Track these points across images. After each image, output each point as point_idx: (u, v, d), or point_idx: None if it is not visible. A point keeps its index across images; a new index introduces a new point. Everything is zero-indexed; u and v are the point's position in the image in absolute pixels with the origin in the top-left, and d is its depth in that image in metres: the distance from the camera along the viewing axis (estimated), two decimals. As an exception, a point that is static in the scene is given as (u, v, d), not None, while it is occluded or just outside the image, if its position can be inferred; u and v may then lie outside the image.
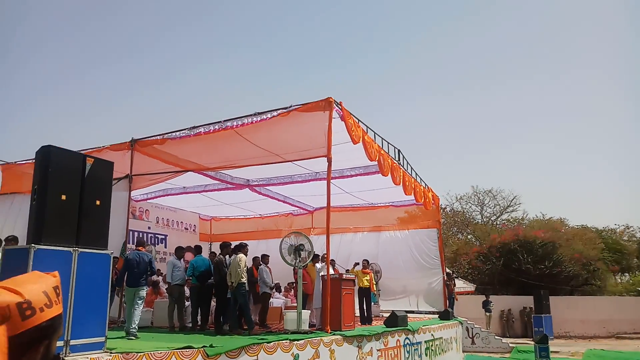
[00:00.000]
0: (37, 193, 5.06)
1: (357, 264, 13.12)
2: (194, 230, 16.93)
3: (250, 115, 8.99)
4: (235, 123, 9.15)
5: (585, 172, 63.06)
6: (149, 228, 14.69)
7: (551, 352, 15.32)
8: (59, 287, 1.18)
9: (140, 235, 14.19)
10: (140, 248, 8.65)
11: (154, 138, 10.00)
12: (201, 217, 17.36)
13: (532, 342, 16.35)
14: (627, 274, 39.31)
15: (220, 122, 9.18)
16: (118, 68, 68.93)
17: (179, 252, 10.14)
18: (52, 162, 4.99)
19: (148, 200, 14.31)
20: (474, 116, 69.01)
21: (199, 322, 9.61)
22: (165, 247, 15.22)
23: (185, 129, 9.53)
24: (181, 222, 16.32)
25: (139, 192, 12.35)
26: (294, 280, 12.76)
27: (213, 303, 10.20)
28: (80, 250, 5.21)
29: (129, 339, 7.55)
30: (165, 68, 73.66)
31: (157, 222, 15.12)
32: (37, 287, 1.12)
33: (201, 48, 75.71)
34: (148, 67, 72.80)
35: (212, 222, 18.06)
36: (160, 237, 15.12)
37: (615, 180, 62.51)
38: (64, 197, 4.99)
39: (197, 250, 10.08)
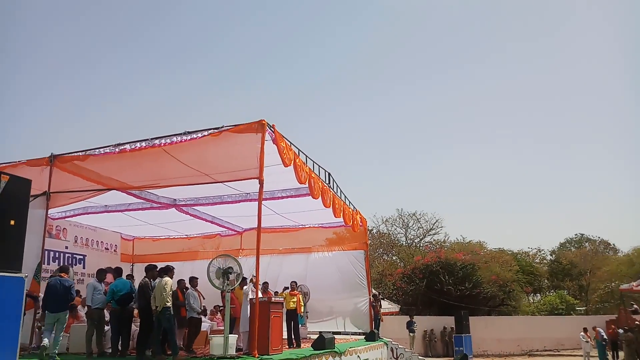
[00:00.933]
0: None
1: (287, 288, 13.09)
2: (115, 250, 16.14)
3: (180, 134, 8.81)
4: (163, 141, 8.92)
5: (502, 196, 67.15)
6: (67, 248, 13.81)
7: (470, 370, 16.02)
8: None
9: (57, 255, 13.36)
10: (62, 274, 8.59)
11: (75, 154, 9.51)
12: (123, 236, 16.58)
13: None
14: (538, 295, 41.97)
15: (147, 139, 8.91)
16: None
17: (100, 274, 9.63)
18: (-39, 179, 4.64)
19: (66, 219, 13.51)
20: (404, 138, 71.77)
21: (119, 348, 9.13)
22: (84, 267, 14.39)
23: (109, 146, 9.15)
24: (101, 241, 15.49)
25: (56, 210, 11.66)
26: (220, 304, 12.47)
27: (134, 327, 9.77)
28: (-10, 272, 4.85)
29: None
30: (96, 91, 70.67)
31: (76, 241, 14.26)
32: None
33: (125, 73, 73.49)
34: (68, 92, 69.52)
35: (135, 242, 17.32)
36: (78, 257, 14.27)
37: (528, 205, 67.02)
38: (-26, 216, 4.63)
39: (117, 272, 9.60)
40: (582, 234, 47.07)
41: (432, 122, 72.99)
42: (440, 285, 29.02)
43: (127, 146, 8.98)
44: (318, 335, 11.08)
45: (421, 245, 40.39)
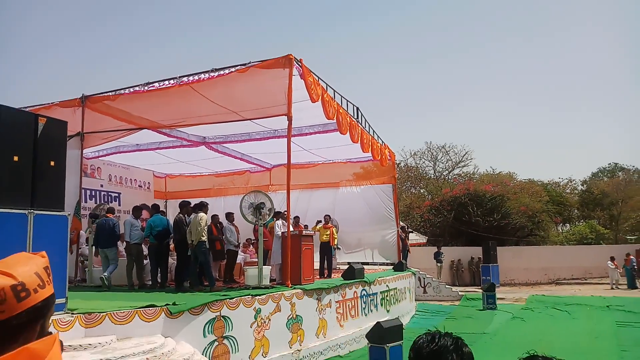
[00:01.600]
0: (-13, 154, 4.84)
1: (320, 221, 13.36)
2: (148, 188, 16.58)
3: (207, 71, 8.75)
4: (191, 78, 8.89)
5: (534, 127, 65.48)
6: (102, 186, 14.26)
7: (497, 298, 16.35)
8: (48, 268, 1.20)
9: (93, 193, 13.83)
10: (108, 215, 10.03)
11: (105, 94, 9.59)
12: (155, 174, 16.96)
13: (480, 290, 17.33)
14: (568, 225, 41.76)
15: (175, 77, 8.88)
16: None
17: (137, 211, 10.00)
18: (1, 122, 4.74)
19: (100, 158, 13.84)
20: (431, 78, 69.75)
21: (159, 280, 9.62)
22: (119, 205, 14.87)
23: (138, 85, 9.17)
24: (134, 179, 15.91)
25: (90, 149, 11.93)
26: (251, 237, 12.84)
27: (171, 261, 10.23)
28: (35, 212, 5.07)
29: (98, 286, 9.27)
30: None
31: (110, 179, 14.68)
32: (28, 268, 1.13)
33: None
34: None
35: (167, 180, 17.73)
36: (113, 195, 14.74)
37: (562, 134, 65.30)
38: (16, 158, 4.78)
39: (155, 209, 9.94)
40: (616, 164, 45.96)
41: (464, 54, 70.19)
42: (468, 217, 29.08)
43: (156, 84, 9.00)
44: (348, 266, 11.41)
45: (450, 177, 40.16)
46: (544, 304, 16.78)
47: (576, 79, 66.66)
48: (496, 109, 66.87)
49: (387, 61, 70.65)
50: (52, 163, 5.15)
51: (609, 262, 22.39)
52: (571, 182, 43.74)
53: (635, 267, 22.03)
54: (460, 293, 19.53)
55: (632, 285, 21.74)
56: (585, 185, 44.07)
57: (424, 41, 70.91)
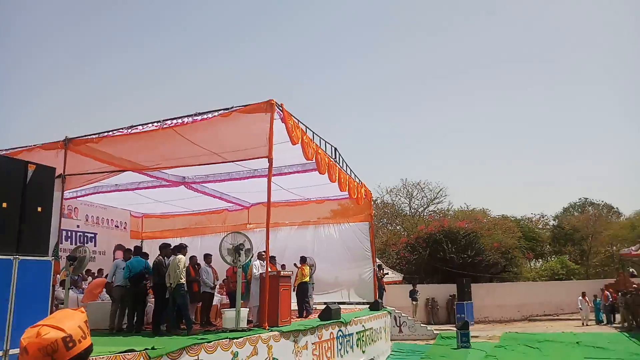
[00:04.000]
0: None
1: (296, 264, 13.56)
2: (124, 227, 16.50)
3: (191, 115, 8.97)
4: (174, 122, 9.08)
5: (506, 163, 67.29)
6: (78, 226, 14.20)
7: (471, 336, 16.54)
8: (87, 321, 1.49)
9: (69, 234, 13.73)
10: None
11: (89, 137, 9.69)
12: (132, 214, 16.94)
13: (455, 329, 17.50)
14: (540, 260, 42.49)
15: (159, 121, 9.07)
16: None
17: (127, 253, 9.99)
18: (-8, 170, 4.87)
19: (77, 198, 13.80)
20: (407, 114, 71.57)
21: (135, 324, 9.54)
22: (95, 245, 14.79)
23: (122, 128, 9.34)
24: (111, 219, 15.85)
25: (68, 190, 11.94)
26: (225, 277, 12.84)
27: (148, 304, 10.16)
28: (20, 257, 5.14)
29: None
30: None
31: (87, 219, 14.63)
32: (73, 322, 1.46)
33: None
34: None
35: (143, 219, 17.68)
36: (89, 235, 14.66)
37: (533, 170, 67.19)
38: (5, 204, 4.89)
39: (136, 251, 9.95)
40: (586, 199, 47.32)
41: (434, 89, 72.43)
42: (443, 254, 29.42)
43: (139, 127, 9.16)
44: (325, 307, 11.50)
45: (425, 214, 40.72)
46: (516, 341, 17.04)
47: (546, 116, 69.24)
48: (470, 146, 68.71)
49: (365, 103, 72.47)
50: (40, 209, 5.26)
51: (580, 297, 22.90)
52: (543, 217, 44.79)
53: (611, 301, 22.59)
54: (435, 332, 19.64)
55: (608, 321, 22.25)
56: (556, 221, 45.15)
57: (402, 88, 73.05)
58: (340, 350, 11.20)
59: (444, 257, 29.34)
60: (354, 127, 71.53)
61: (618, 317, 21.76)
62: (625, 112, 65.78)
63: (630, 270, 28.12)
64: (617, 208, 44.92)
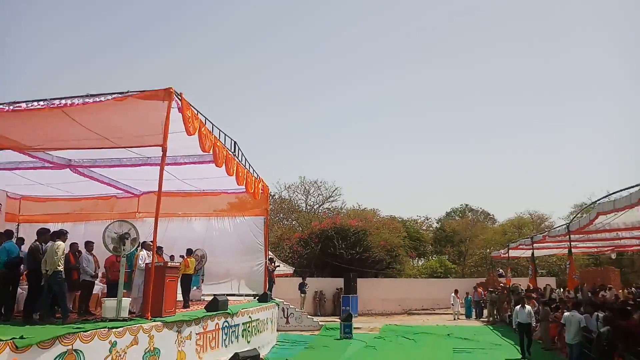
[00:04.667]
0: None
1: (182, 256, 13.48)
2: (-2, 209, 15.18)
3: (82, 96, 8.53)
4: (63, 102, 8.58)
5: (400, 167, 71.00)
6: (-58, 205, 12.86)
7: (354, 328, 17.49)
8: None
9: None
10: None
11: (-37, 111, 8.83)
12: (9, 195, 15.58)
13: (339, 320, 18.37)
14: (422, 259, 45.66)
15: (46, 99, 8.53)
16: None
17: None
18: None
19: (-56, 174, 12.49)
20: (309, 112, 72.67)
21: (3, 312, 8.94)
22: (-37, 226, 13.47)
23: (3, 103, 8.63)
24: (-16, 200, 14.52)
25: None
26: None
27: (20, 290, 9.57)
28: None
29: None
30: None
31: (-46, 198, 13.30)
32: None
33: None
34: None
35: (21, 202, 16.33)
36: (-44, 215, 13.34)
37: (420, 173, 71.58)
38: None
39: (8, 235, 9.26)
40: (467, 205, 51.56)
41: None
42: (333, 250, 30.59)
43: (23, 105, 8.54)
44: (212, 298, 11.58)
45: (320, 211, 41.91)
46: (395, 332, 18.31)
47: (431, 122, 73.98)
48: (366, 147, 71.52)
49: (268, 101, 72.50)
50: None
51: (452, 294, 25.06)
52: (427, 220, 48.14)
53: (481, 298, 24.99)
54: (321, 323, 20.43)
55: (478, 316, 24.56)
56: (439, 223, 48.71)
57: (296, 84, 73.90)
58: (225, 340, 11.34)
59: (334, 253, 30.50)
60: (259, 123, 71.35)
61: (485, 312, 24.18)
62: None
63: (499, 271, 31.24)
64: (493, 215, 49.50)
